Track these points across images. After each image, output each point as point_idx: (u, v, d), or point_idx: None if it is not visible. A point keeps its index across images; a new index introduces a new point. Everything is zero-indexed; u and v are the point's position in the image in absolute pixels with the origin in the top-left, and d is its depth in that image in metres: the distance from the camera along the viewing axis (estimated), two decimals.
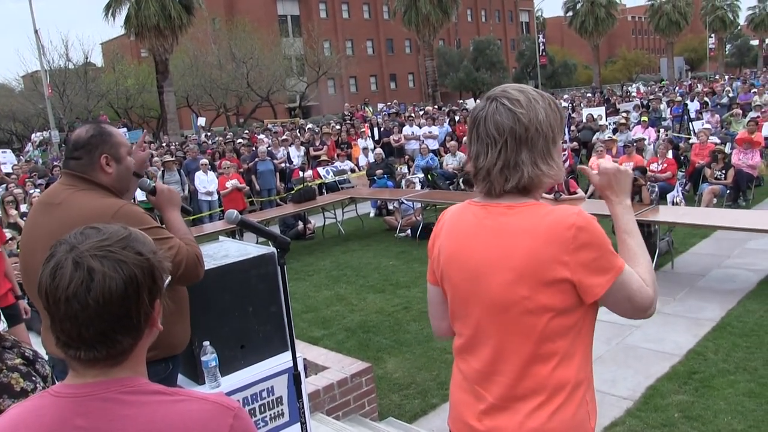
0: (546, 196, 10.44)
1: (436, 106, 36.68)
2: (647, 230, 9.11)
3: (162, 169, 15.19)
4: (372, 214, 14.75)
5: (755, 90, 26.02)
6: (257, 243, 5.32)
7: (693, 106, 22.63)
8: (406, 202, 12.28)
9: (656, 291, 1.95)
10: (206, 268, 3.32)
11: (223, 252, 3.72)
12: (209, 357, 3.27)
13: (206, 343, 3.28)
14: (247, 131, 32.62)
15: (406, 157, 19.18)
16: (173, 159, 16.36)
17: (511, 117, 1.87)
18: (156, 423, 1.35)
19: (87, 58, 48.99)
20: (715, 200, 11.82)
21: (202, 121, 33.90)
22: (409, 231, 12.13)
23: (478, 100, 2.05)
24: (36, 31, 32.80)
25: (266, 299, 3.49)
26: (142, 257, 1.39)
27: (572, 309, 1.86)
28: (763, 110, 18.57)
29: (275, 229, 13.31)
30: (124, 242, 1.38)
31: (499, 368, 1.91)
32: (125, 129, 37.52)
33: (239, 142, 21.45)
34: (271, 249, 3.48)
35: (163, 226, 2.87)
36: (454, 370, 2.12)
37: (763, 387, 5.24)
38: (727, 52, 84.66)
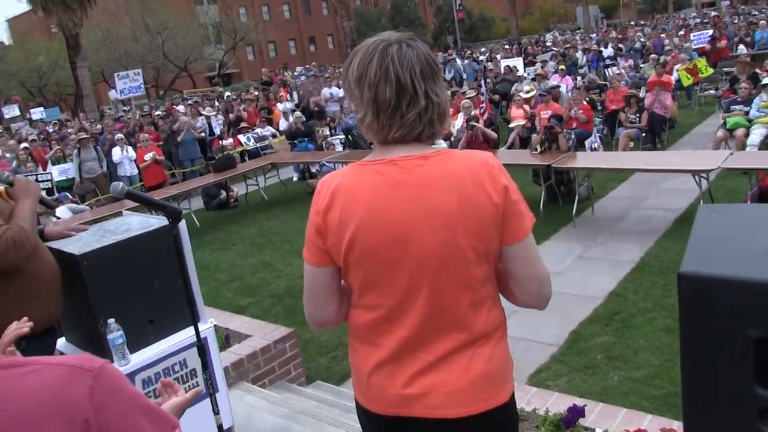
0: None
1: None
2: (566, 177, 9.23)
3: (78, 147, 14.67)
4: (295, 179, 14.57)
5: (665, 35, 26.63)
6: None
7: (607, 52, 23.05)
8: (327, 164, 12.14)
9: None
10: (106, 243, 3.24)
11: (125, 226, 3.58)
12: (115, 335, 3.16)
13: (111, 320, 3.16)
14: (164, 103, 31.79)
15: (328, 119, 18.99)
16: (88, 136, 15.80)
17: None
18: (6, 401, 1.23)
19: None
20: (632, 144, 12.03)
21: (113, 93, 32.88)
22: None
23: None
24: None
25: (172, 271, 3.33)
26: None
27: (497, 251, 1.86)
28: (672, 54, 19.00)
29: (198, 199, 13.08)
30: None
31: (436, 325, 1.85)
32: (41, 108, 36.19)
33: (157, 115, 20.91)
34: None
35: None
36: (361, 353, 1.98)
37: None
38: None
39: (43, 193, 3.39)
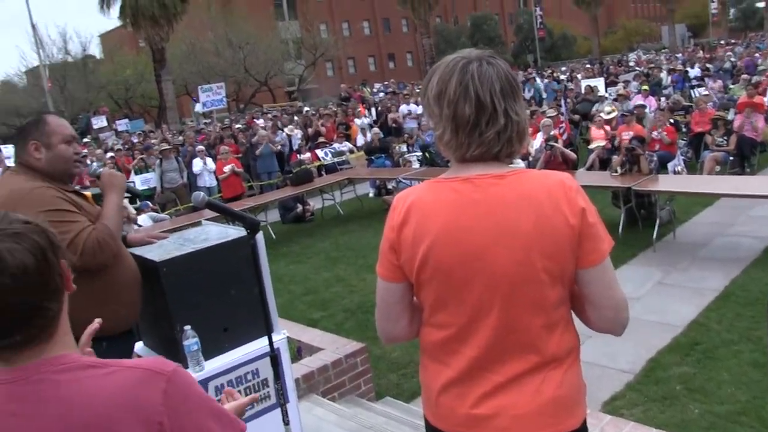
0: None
1: None
2: (647, 200, 9.00)
3: (160, 157, 15.12)
4: (371, 194, 14.66)
5: (759, 54, 25.78)
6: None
7: (694, 72, 22.46)
8: (404, 180, 12.16)
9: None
10: (185, 252, 3.34)
11: (204, 236, 3.65)
12: (191, 341, 3.22)
13: (187, 327, 3.22)
14: (244, 116, 32.47)
15: (405, 135, 19.06)
16: (170, 147, 16.28)
17: None
18: (85, 400, 1.31)
19: (85, 50, 49.11)
20: (718, 168, 11.64)
21: (199, 107, 33.90)
22: None
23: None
24: (33, 26, 32.78)
25: (248, 281, 3.38)
26: (30, 224, 1.37)
27: (573, 274, 1.83)
28: (767, 74, 18.33)
29: (274, 212, 13.27)
30: (7, 219, 1.36)
31: (506, 346, 1.82)
32: (126, 119, 37.53)
33: (237, 128, 21.39)
34: None
35: (72, 209, 2.97)
36: (431, 371, 1.97)
37: None
38: (731, 17, 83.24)
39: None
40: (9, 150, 23.83)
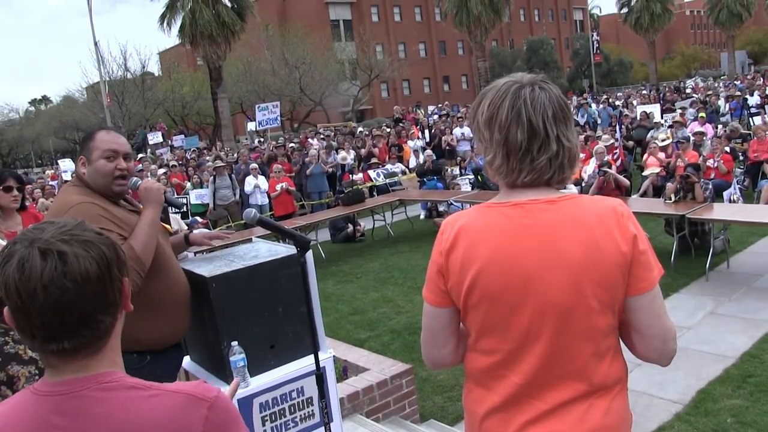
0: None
1: None
2: (701, 228, 8.86)
3: (214, 174, 15.38)
4: (422, 216, 14.67)
5: None
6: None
7: (753, 100, 22.02)
8: (455, 203, 12.17)
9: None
10: (235, 268, 3.38)
11: (254, 252, 3.69)
12: (237, 357, 3.25)
13: (234, 343, 3.25)
14: (298, 136, 32.76)
15: (458, 158, 19.07)
16: (224, 164, 16.54)
17: None
18: (129, 421, 1.33)
19: (144, 67, 50.18)
20: None
21: (252, 125, 34.28)
22: None
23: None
24: (96, 44, 33.73)
25: (296, 299, 3.43)
26: (102, 235, 1.41)
27: (623, 302, 1.80)
28: None
29: (325, 231, 13.38)
30: (82, 225, 1.39)
31: (554, 373, 1.79)
32: (182, 136, 38.20)
33: (290, 147, 21.63)
34: None
35: (110, 229, 2.87)
36: (476, 396, 1.94)
37: None
38: None
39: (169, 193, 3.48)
40: (66, 164, 24.60)
